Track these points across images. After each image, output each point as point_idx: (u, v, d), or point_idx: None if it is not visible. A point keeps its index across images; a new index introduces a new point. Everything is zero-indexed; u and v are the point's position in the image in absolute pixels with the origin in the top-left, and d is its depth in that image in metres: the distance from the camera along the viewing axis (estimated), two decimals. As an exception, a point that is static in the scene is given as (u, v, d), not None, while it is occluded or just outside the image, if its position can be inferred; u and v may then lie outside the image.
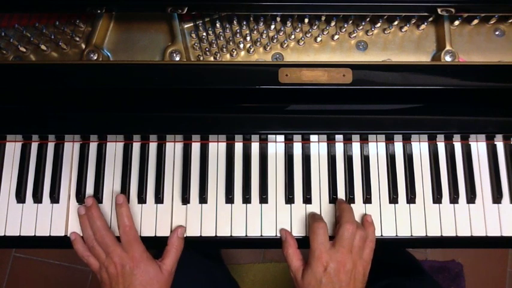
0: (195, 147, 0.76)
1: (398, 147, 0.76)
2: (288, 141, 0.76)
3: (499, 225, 0.73)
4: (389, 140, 0.76)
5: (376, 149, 0.76)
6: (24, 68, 0.68)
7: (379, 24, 0.73)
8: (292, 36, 0.73)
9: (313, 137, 0.75)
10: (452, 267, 1.47)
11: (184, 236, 0.72)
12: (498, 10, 0.69)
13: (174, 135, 0.75)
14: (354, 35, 0.74)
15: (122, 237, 0.68)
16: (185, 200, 0.73)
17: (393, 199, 0.74)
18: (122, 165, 0.75)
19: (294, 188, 0.74)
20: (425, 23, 0.73)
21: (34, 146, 0.76)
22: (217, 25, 0.73)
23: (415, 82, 0.67)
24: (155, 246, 0.72)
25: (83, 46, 0.73)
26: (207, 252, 1.08)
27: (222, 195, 0.74)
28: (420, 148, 0.76)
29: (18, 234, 0.73)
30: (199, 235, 0.73)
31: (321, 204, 0.74)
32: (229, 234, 0.73)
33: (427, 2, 0.65)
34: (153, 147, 0.76)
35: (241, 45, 0.73)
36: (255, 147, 0.76)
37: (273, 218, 0.73)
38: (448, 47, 0.72)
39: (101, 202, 0.74)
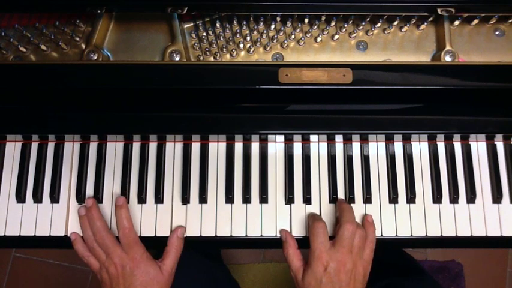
0: (195, 147, 0.76)
1: (398, 147, 0.76)
2: (288, 141, 0.76)
3: (499, 225, 0.73)
4: (389, 140, 0.76)
5: (376, 149, 0.76)
6: (24, 68, 0.68)
7: (379, 24, 0.73)
8: (292, 36, 0.73)
9: (313, 137, 0.75)
10: (452, 267, 1.47)
11: (184, 236, 0.72)
12: (498, 10, 0.69)
13: (174, 135, 0.75)
14: (354, 35, 0.74)
15: (122, 240, 0.68)
16: (185, 200, 0.73)
17: (393, 199, 0.74)
18: (122, 165, 0.75)
19: (294, 188, 0.74)
20: (425, 23, 0.73)
21: (34, 146, 0.76)
22: (217, 25, 0.73)
23: (415, 82, 0.67)
24: (155, 246, 0.72)
25: (83, 46, 0.73)
26: (207, 252, 1.08)
27: (222, 195, 0.74)
28: (420, 148, 0.76)
29: (18, 234, 0.73)
30: (199, 235, 0.73)
31: (320, 204, 0.74)
32: (229, 234, 0.73)
33: (427, 2, 0.65)
34: (153, 147, 0.76)
35: (241, 45, 0.73)
36: (255, 147, 0.76)
37: (273, 218, 0.73)
38: (448, 47, 0.72)
39: (101, 202, 0.74)
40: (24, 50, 0.72)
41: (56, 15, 0.73)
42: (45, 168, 0.75)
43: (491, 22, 0.74)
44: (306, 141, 0.76)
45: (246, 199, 0.73)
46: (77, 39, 0.73)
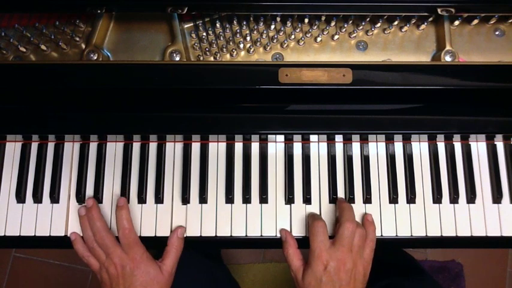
0: (195, 147, 0.76)
1: (398, 147, 0.76)
2: (288, 141, 0.76)
3: (499, 225, 0.73)
4: (389, 140, 0.76)
5: (376, 149, 0.76)
6: (24, 68, 0.68)
7: (379, 24, 0.73)
8: (292, 36, 0.73)
9: (313, 137, 0.75)
10: (452, 267, 1.47)
11: (184, 236, 0.72)
12: (498, 10, 0.69)
13: (174, 135, 0.75)
14: (354, 35, 0.74)
15: (122, 240, 0.68)
16: (185, 200, 0.73)
17: (393, 199, 0.74)
18: (122, 165, 0.75)
19: (294, 188, 0.74)
20: (425, 23, 0.73)
21: (34, 146, 0.76)
22: (217, 25, 0.73)
23: (415, 82, 0.67)
24: (155, 246, 0.72)
25: (83, 46, 0.73)
26: (207, 252, 1.08)
27: (222, 195, 0.74)
28: (420, 148, 0.76)
29: (18, 234, 0.73)
30: (199, 235, 0.73)
31: (320, 204, 0.74)
32: (229, 234, 0.73)
33: (427, 2, 0.65)
34: (153, 147, 0.76)
35: (241, 45, 0.73)
36: (255, 147, 0.76)
37: (273, 218, 0.73)
38: (448, 47, 0.72)
39: (101, 202, 0.74)
40: (24, 50, 0.72)
41: (56, 15, 0.73)
42: (45, 168, 0.75)
43: (491, 22, 0.74)
44: (306, 141, 0.76)
45: (246, 199, 0.73)
46: (77, 39, 0.73)
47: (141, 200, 0.74)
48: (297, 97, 0.70)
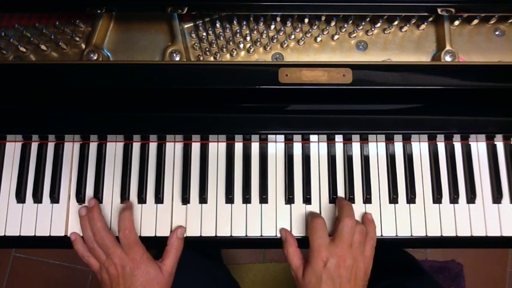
0: (195, 147, 0.76)
1: (398, 147, 0.76)
2: (288, 141, 0.76)
3: (499, 225, 0.73)
4: (389, 140, 0.76)
5: (376, 149, 0.76)
6: (24, 68, 0.68)
7: (379, 24, 0.73)
8: (292, 36, 0.73)
9: (313, 137, 0.75)
10: (452, 267, 1.47)
11: (184, 236, 0.72)
12: (498, 10, 0.69)
13: (174, 135, 0.75)
14: (354, 35, 0.74)
15: (122, 241, 0.68)
16: (185, 200, 0.73)
17: (393, 199, 0.74)
18: (122, 165, 0.75)
19: (294, 188, 0.74)
20: (425, 23, 0.73)
21: (34, 146, 0.76)
22: (217, 25, 0.73)
23: (415, 82, 0.67)
24: (155, 246, 0.72)
25: (83, 46, 0.73)
26: (207, 252, 1.08)
27: (222, 195, 0.74)
28: (420, 148, 0.76)
29: (18, 234, 0.73)
30: (199, 235, 0.73)
31: (320, 204, 0.74)
32: (229, 234, 0.73)
33: (427, 2, 0.65)
34: (153, 147, 0.76)
35: (241, 45, 0.73)
36: (255, 147, 0.76)
37: (273, 218, 0.73)
38: (448, 47, 0.72)
39: (101, 202, 0.74)
40: (24, 50, 0.72)
41: (56, 15, 0.73)
42: (45, 168, 0.75)
43: (491, 22, 0.74)
44: (306, 141, 0.76)
45: (246, 199, 0.73)
46: (77, 39, 0.73)
47: (141, 200, 0.74)
48: (297, 97, 0.70)
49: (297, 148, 0.76)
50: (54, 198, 0.73)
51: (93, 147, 0.76)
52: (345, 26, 0.73)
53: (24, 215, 0.73)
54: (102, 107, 0.71)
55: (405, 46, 0.74)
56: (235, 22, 0.73)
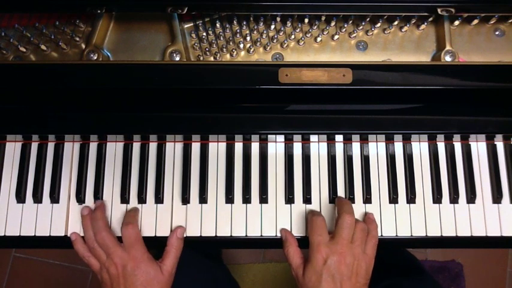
0: (195, 147, 0.76)
1: (398, 147, 0.76)
2: (288, 141, 0.76)
3: (499, 225, 0.73)
4: (389, 140, 0.76)
5: (376, 149, 0.76)
6: (24, 68, 0.68)
7: (379, 24, 0.73)
8: (292, 36, 0.73)
9: (313, 137, 0.75)
10: (452, 267, 1.47)
11: (184, 236, 0.72)
12: (498, 10, 0.69)
13: (174, 135, 0.75)
14: (354, 35, 0.74)
15: (124, 236, 0.68)
16: (185, 200, 0.73)
17: (393, 199, 0.74)
18: (122, 165, 0.75)
19: (294, 188, 0.74)
20: (425, 23, 0.73)
21: (34, 146, 0.76)
22: (217, 25, 0.73)
23: (415, 82, 0.67)
24: (155, 246, 0.72)
25: (83, 46, 0.73)
26: (207, 252, 1.08)
27: (222, 195, 0.74)
28: (420, 148, 0.76)
29: (18, 234, 0.73)
30: (199, 235, 0.73)
31: (320, 204, 0.74)
32: (229, 234, 0.73)
33: (427, 2, 0.65)
34: (153, 147, 0.76)
35: (241, 45, 0.73)
36: (255, 147, 0.76)
37: (273, 218, 0.73)
38: (448, 47, 0.72)
39: (101, 202, 0.74)
40: (24, 50, 0.72)
41: (56, 15, 0.73)
42: (45, 168, 0.75)
43: (491, 22, 0.74)
44: (306, 141, 0.76)
45: (246, 199, 0.73)
46: (77, 39, 0.73)
47: (141, 200, 0.74)
48: (297, 97, 0.70)
49: (297, 148, 0.76)
50: (54, 198, 0.73)
51: (93, 147, 0.76)
52: (345, 26, 0.73)
53: (24, 215, 0.73)
54: (102, 107, 0.71)
55: (405, 46, 0.74)
56: (235, 22, 0.73)
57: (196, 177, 0.74)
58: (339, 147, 0.76)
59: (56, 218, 0.73)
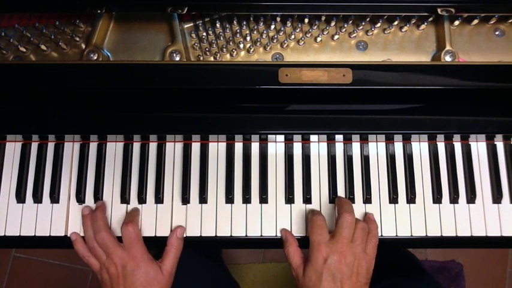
0: (195, 147, 0.76)
1: (398, 147, 0.76)
2: (288, 141, 0.76)
3: (499, 225, 0.73)
4: (389, 140, 0.76)
5: (376, 149, 0.76)
6: (24, 68, 0.68)
7: (379, 24, 0.73)
8: (292, 36, 0.73)
9: (313, 137, 0.75)
10: (452, 267, 1.47)
11: (184, 236, 0.72)
12: (498, 10, 0.69)
13: (174, 135, 0.75)
14: (354, 35, 0.74)
15: (124, 235, 0.68)
16: (185, 200, 0.73)
17: (393, 199, 0.74)
18: (122, 165, 0.75)
19: (294, 188, 0.74)
20: (425, 23, 0.73)
21: (34, 146, 0.76)
22: (217, 25, 0.73)
23: (415, 82, 0.67)
24: (155, 246, 0.72)
25: (83, 46, 0.73)
26: (207, 252, 1.08)
27: (222, 195, 0.74)
28: (420, 148, 0.76)
29: (18, 234, 0.73)
30: (199, 235, 0.73)
31: (321, 204, 0.74)
32: (229, 234, 0.73)
33: (427, 2, 0.65)
34: (153, 147, 0.76)
35: (241, 45, 0.73)
36: (255, 147, 0.76)
37: (273, 218, 0.73)
38: (448, 47, 0.72)
39: (101, 202, 0.74)
40: (24, 50, 0.72)
41: (56, 15, 0.73)
42: (45, 168, 0.75)
43: (491, 22, 0.74)
44: (306, 141, 0.76)
45: (246, 199, 0.73)
46: (77, 39, 0.73)
47: (141, 200, 0.74)
48: (297, 97, 0.70)
49: (297, 148, 0.76)
50: (54, 198, 0.73)
51: (93, 147, 0.76)
52: (345, 26, 0.73)
53: (24, 215, 0.73)
54: (102, 107, 0.71)
55: (405, 46, 0.74)
56: (235, 22, 0.73)
57: (196, 177, 0.74)
58: (339, 147, 0.76)
59: (56, 218, 0.73)
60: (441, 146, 0.76)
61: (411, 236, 0.73)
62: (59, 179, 0.75)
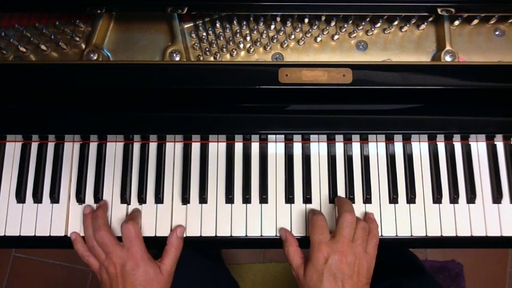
0: (195, 147, 0.76)
1: (398, 147, 0.76)
2: (288, 141, 0.76)
3: (499, 225, 0.73)
4: (389, 140, 0.76)
5: (376, 149, 0.76)
6: (24, 68, 0.68)
7: (379, 24, 0.73)
8: (292, 36, 0.73)
9: (313, 137, 0.75)
10: (452, 267, 1.47)
11: (184, 235, 0.72)
12: (498, 10, 0.69)
13: (174, 135, 0.75)
14: (354, 35, 0.74)
15: (124, 233, 0.67)
16: (185, 200, 0.73)
17: (393, 199, 0.74)
18: (122, 165, 0.75)
19: (294, 188, 0.74)
20: (425, 23, 0.74)
21: (34, 146, 0.76)
22: (217, 25, 0.73)
23: (415, 82, 0.67)
24: (155, 246, 0.72)
25: (83, 46, 0.73)
26: (207, 252, 1.08)
27: (222, 195, 0.74)
28: (420, 148, 0.76)
29: (18, 234, 0.73)
30: (199, 235, 0.73)
31: (321, 204, 0.74)
32: (229, 234, 0.73)
33: (427, 2, 0.65)
34: (153, 147, 0.76)
35: (241, 45, 0.73)
36: (255, 147, 0.76)
37: (273, 218, 0.73)
38: (448, 47, 0.72)
39: (101, 202, 0.74)
40: (24, 50, 0.72)
41: (56, 15, 0.73)
42: (45, 168, 0.75)
43: (491, 22, 0.74)
44: (306, 141, 0.76)
45: (246, 199, 0.73)
46: (77, 39, 0.73)
47: (141, 200, 0.74)
48: (297, 97, 0.70)
49: (297, 148, 0.76)
50: (54, 198, 0.73)
51: (93, 147, 0.76)
52: (345, 26, 0.73)
53: (24, 215, 0.73)
54: (102, 107, 0.71)
55: (405, 46, 0.74)
56: (235, 22, 0.73)
57: (196, 177, 0.74)
58: (339, 147, 0.76)
59: (56, 218, 0.73)
60: (441, 146, 0.76)
61: (411, 236, 0.73)
62: (59, 179, 0.75)
